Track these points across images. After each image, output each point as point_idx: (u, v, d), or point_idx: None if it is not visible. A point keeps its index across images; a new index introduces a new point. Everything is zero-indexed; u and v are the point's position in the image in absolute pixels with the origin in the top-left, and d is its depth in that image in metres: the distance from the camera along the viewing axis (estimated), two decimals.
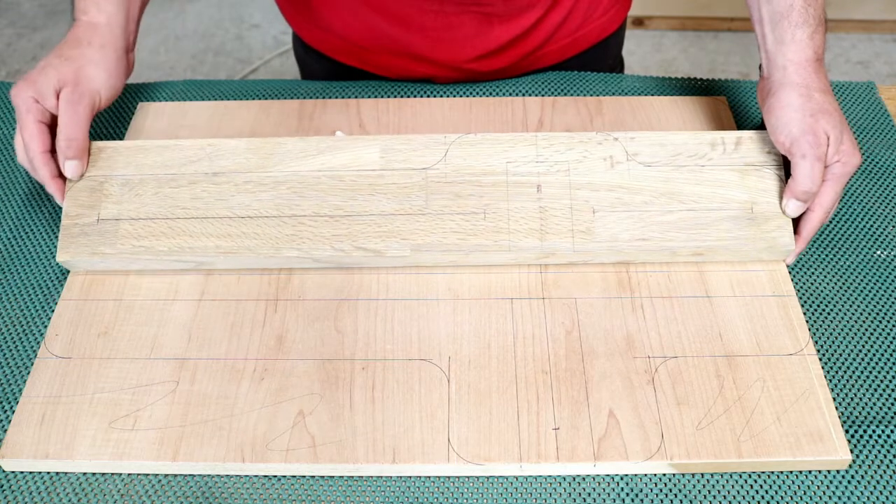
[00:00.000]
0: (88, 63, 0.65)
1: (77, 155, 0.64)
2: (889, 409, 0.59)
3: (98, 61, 0.66)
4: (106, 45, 0.66)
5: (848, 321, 0.64)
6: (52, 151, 0.65)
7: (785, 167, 0.65)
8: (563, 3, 0.82)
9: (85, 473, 0.57)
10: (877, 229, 0.71)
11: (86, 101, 0.64)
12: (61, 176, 0.65)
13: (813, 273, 0.68)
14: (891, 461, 0.57)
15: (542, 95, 0.82)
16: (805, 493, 0.55)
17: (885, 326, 0.64)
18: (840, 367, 0.61)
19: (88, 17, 0.67)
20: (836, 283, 0.67)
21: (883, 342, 0.63)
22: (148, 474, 0.56)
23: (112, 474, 0.57)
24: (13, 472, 0.57)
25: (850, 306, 0.65)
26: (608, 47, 0.92)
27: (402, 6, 0.79)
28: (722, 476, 0.56)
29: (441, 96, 0.83)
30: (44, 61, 0.65)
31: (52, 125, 0.65)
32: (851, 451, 0.57)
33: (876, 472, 0.56)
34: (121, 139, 0.79)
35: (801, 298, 0.66)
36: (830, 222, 0.71)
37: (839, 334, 0.63)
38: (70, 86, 0.63)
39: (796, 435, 0.56)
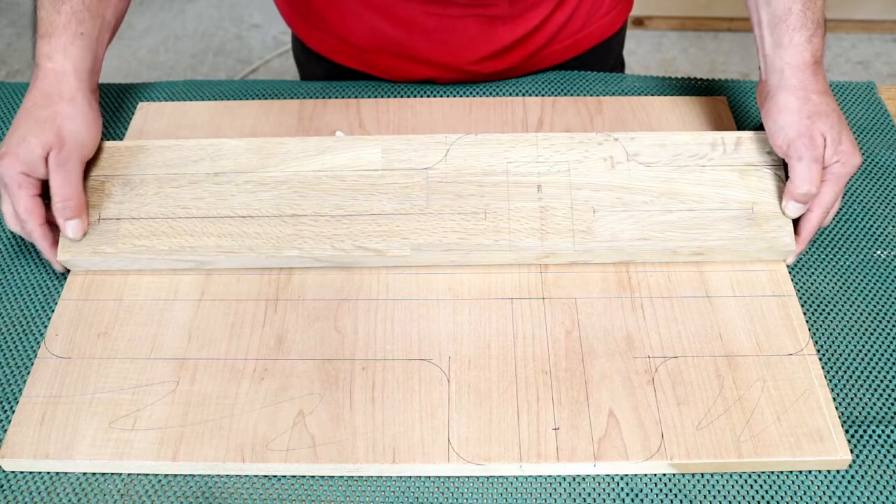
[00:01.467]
0: (66, 120, 0.63)
1: (76, 214, 0.63)
2: (889, 409, 0.59)
3: (74, 115, 0.64)
4: (76, 95, 0.64)
5: (848, 321, 0.64)
6: (48, 221, 0.64)
7: (785, 167, 0.65)
8: (566, 4, 0.82)
9: (85, 473, 0.57)
10: (877, 229, 0.71)
11: (74, 158, 0.63)
12: (56, 245, 0.65)
13: (813, 273, 0.68)
14: (891, 461, 0.57)
15: (543, 95, 0.82)
16: (805, 493, 0.55)
17: (885, 326, 0.64)
18: (840, 367, 0.61)
19: (54, 64, 0.64)
20: (836, 283, 0.67)
21: (883, 342, 0.63)
22: (148, 474, 0.56)
23: (112, 474, 0.57)
24: (13, 472, 0.57)
25: (850, 306, 0.65)
26: (610, 48, 0.92)
27: (404, 8, 0.79)
28: (722, 476, 0.56)
29: (441, 96, 0.83)
30: (19, 130, 0.62)
31: (43, 193, 0.63)
32: (851, 451, 0.57)
33: (876, 472, 0.56)
34: (121, 139, 0.79)
35: (801, 298, 0.66)
36: (831, 222, 0.71)
37: (839, 334, 0.63)
38: (55, 148, 0.62)
39: (796, 435, 0.56)
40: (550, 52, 0.86)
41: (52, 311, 0.65)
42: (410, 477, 0.56)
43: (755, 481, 0.56)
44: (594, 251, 0.64)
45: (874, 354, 0.62)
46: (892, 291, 0.66)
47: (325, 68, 0.91)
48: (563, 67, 0.88)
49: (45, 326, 0.65)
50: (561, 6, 0.82)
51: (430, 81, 0.85)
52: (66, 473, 0.57)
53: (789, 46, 0.64)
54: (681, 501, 0.55)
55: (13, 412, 0.59)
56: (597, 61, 0.90)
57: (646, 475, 0.56)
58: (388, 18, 0.81)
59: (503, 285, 0.65)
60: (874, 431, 0.58)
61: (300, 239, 0.65)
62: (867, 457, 0.57)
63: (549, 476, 0.56)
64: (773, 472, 0.56)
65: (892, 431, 0.58)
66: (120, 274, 0.66)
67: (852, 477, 0.56)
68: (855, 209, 0.72)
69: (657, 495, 0.55)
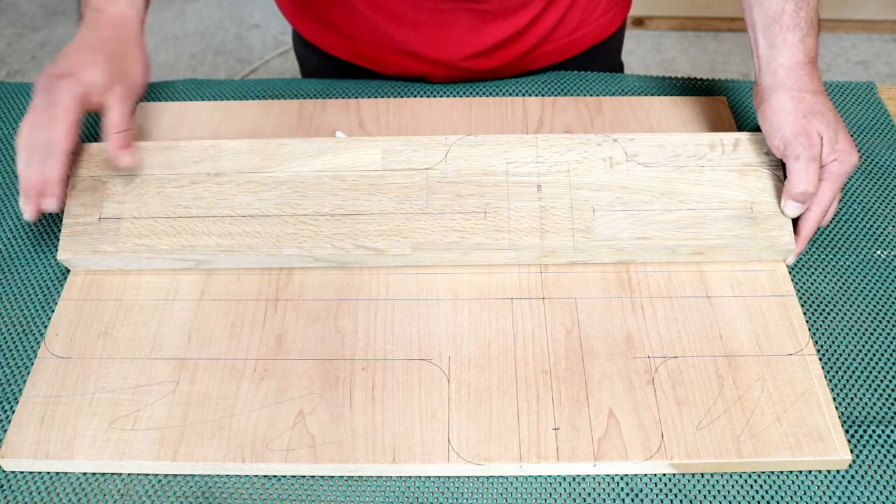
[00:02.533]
0: (133, 62, 0.65)
1: (132, 144, 0.65)
2: (889, 409, 0.59)
3: (139, 59, 0.66)
4: (138, 40, 0.67)
5: (848, 321, 0.64)
6: (77, 147, 0.64)
7: (784, 168, 0.65)
8: (558, 4, 0.82)
9: (85, 473, 0.57)
10: (877, 229, 0.71)
11: (133, 98, 0.65)
12: (63, 182, 0.64)
13: (813, 273, 0.68)
14: (891, 461, 0.57)
15: (542, 95, 0.82)
16: (805, 493, 0.55)
17: (885, 326, 0.64)
18: (840, 367, 0.61)
19: (117, 9, 0.66)
20: (836, 283, 0.67)
21: (883, 342, 0.63)
22: (148, 474, 0.56)
23: (112, 474, 0.57)
24: (13, 472, 0.57)
25: (850, 306, 0.65)
26: (607, 49, 0.92)
27: (396, 2, 0.79)
28: (722, 476, 0.56)
29: (441, 96, 0.83)
30: (84, 56, 0.63)
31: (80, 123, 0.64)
32: (851, 451, 0.57)
33: (876, 472, 0.56)
34: None
35: (801, 298, 0.66)
36: (830, 222, 0.71)
37: (839, 334, 0.63)
38: (120, 84, 0.63)
39: (796, 435, 0.56)
40: (544, 52, 0.86)
41: (52, 311, 0.65)
42: (410, 477, 0.56)
43: (755, 481, 0.56)
44: (594, 250, 0.64)
45: (874, 354, 0.62)
46: (892, 291, 0.66)
47: (324, 62, 0.91)
48: (558, 68, 0.88)
49: (45, 326, 0.65)
50: (553, 5, 0.82)
51: (424, 78, 0.85)
52: (66, 473, 0.57)
53: (783, 47, 0.64)
54: (681, 501, 0.55)
55: (13, 412, 0.59)
56: (593, 63, 0.89)
57: (646, 475, 0.56)
58: (381, 12, 0.81)
59: (503, 285, 0.65)
60: (874, 431, 0.58)
61: (300, 238, 0.65)
62: (867, 457, 0.57)
63: (549, 476, 0.56)
64: (773, 472, 0.56)
65: (892, 431, 0.58)
66: (120, 274, 0.66)
67: (852, 477, 0.56)
68: (855, 209, 0.72)
69: (657, 495, 0.55)
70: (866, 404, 0.59)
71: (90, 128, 0.80)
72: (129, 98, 0.64)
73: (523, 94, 0.83)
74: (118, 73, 0.63)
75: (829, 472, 0.56)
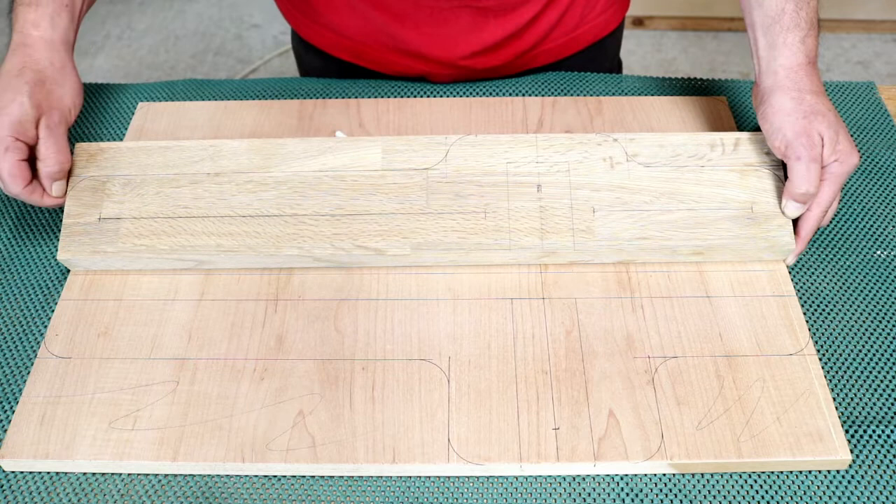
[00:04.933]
0: (55, 85, 0.64)
1: (64, 175, 0.65)
2: (889, 409, 0.59)
3: (62, 82, 0.65)
4: (66, 64, 0.66)
5: (848, 321, 0.64)
6: (31, 178, 0.64)
7: (784, 168, 0.65)
8: (558, 1, 0.82)
9: (85, 473, 0.57)
10: (877, 229, 0.71)
11: (63, 125, 0.64)
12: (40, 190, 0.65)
13: (813, 273, 0.68)
14: (891, 461, 0.57)
15: (542, 95, 0.82)
16: (805, 493, 0.55)
17: (885, 326, 0.64)
18: (840, 367, 0.61)
19: (41, 32, 0.65)
20: (836, 283, 0.67)
21: (883, 342, 0.63)
22: (148, 474, 0.56)
23: (112, 474, 0.57)
24: (13, 472, 0.57)
25: (850, 306, 0.65)
26: (605, 48, 0.92)
27: (396, 1, 0.79)
28: (722, 476, 0.56)
29: (441, 96, 0.83)
30: (7, 93, 0.62)
31: (27, 157, 0.63)
32: (851, 451, 0.57)
33: (876, 472, 0.56)
34: (121, 139, 0.79)
35: (801, 298, 0.66)
36: (830, 222, 0.71)
37: (839, 334, 0.63)
38: (47, 113, 0.62)
39: (796, 435, 0.56)
40: (543, 51, 0.86)
41: (52, 311, 0.65)
42: (410, 477, 0.56)
43: (755, 481, 0.56)
44: (594, 251, 0.64)
45: (874, 354, 0.62)
46: (892, 291, 0.66)
47: (323, 63, 0.91)
48: (556, 67, 0.88)
49: (45, 326, 0.65)
50: (553, 3, 0.82)
51: (424, 77, 0.85)
52: (66, 473, 0.57)
53: (783, 47, 0.64)
54: (681, 501, 0.55)
55: (13, 412, 0.59)
56: (592, 62, 0.89)
57: (646, 475, 0.56)
58: (381, 11, 0.81)
59: (503, 285, 0.65)
60: (874, 431, 0.58)
61: (300, 238, 0.65)
62: (867, 457, 0.57)
63: (549, 476, 0.56)
64: (773, 472, 0.56)
65: (892, 431, 0.58)
66: (120, 274, 0.66)
67: (852, 477, 0.56)
68: (855, 209, 0.72)
69: (657, 495, 0.55)
70: (866, 404, 0.59)
71: (89, 128, 0.81)
72: (58, 126, 0.63)
73: (523, 94, 0.83)
74: (43, 104, 0.63)
75: (829, 472, 0.56)
